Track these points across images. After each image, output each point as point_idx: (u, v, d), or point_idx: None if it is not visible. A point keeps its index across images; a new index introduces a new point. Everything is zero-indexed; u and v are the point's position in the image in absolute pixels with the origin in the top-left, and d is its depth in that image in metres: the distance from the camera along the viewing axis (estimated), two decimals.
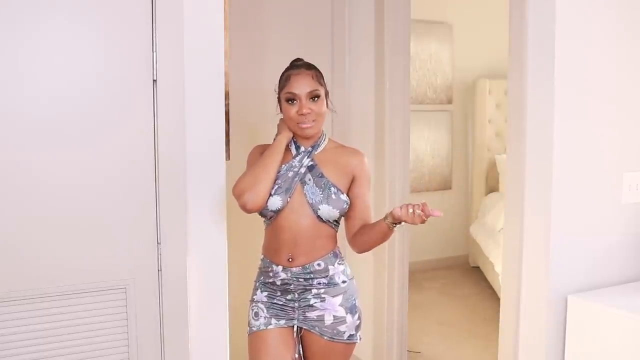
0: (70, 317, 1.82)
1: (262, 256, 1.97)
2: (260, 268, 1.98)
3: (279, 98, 1.92)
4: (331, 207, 1.85)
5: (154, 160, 1.89)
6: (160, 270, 1.91)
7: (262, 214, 1.89)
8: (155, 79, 1.87)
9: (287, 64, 1.96)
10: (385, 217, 1.78)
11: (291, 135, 1.92)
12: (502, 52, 3.00)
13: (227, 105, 2.10)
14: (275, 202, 1.84)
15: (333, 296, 1.90)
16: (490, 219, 4.92)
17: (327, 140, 1.95)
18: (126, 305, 1.88)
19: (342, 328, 1.90)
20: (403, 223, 1.74)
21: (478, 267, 5.33)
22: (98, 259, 1.84)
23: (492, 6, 5.07)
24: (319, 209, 1.85)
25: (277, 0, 3.20)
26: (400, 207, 1.72)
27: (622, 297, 2.17)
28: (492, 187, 5.48)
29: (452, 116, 5.54)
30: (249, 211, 1.82)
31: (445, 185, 5.53)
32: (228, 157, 2.05)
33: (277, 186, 1.85)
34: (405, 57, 3.24)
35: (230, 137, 2.93)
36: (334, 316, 1.89)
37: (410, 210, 1.69)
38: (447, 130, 5.50)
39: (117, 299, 1.87)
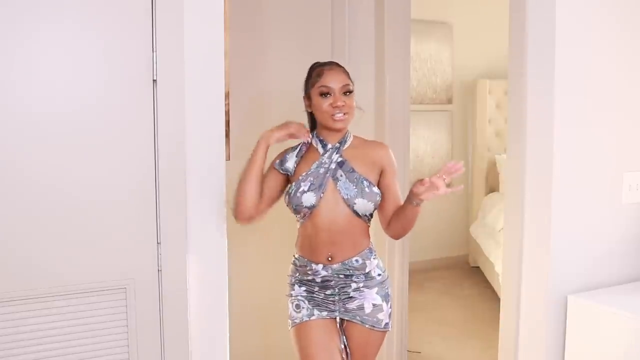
0: (70, 317, 1.81)
1: (297, 255, 2.02)
2: (295, 266, 2.03)
3: (307, 95, 1.96)
4: (366, 201, 1.90)
5: (153, 159, 1.88)
6: (160, 270, 1.91)
7: (296, 212, 1.94)
8: (155, 79, 1.87)
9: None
10: (409, 198, 1.84)
11: (269, 143, 1.92)
12: (502, 52, 3.00)
13: (227, 105, 2.10)
14: (309, 199, 1.89)
15: (370, 288, 1.97)
16: (491, 219, 4.92)
17: (351, 137, 2.01)
18: (126, 305, 1.87)
19: (380, 316, 1.98)
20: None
21: (478, 267, 5.33)
22: (98, 259, 1.84)
23: (492, 6, 5.07)
24: (355, 204, 1.90)
25: (277, 1, 3.20)
26: (414, 185, 1.80)
27: (622, 297, 2.17)
28: (492, 187, 5.48)
29: (452, 116, 5.54)
30: (241, 222, 1.92)
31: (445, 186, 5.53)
32: (228, 157, 2.05)
33: (309, 183, 1.91)
34: (405, 57, 3.24)
35: (230, 137, 2.93)
36: (373, 304, 1.96)
37: (427, 185, 1.77)
38: (447, 130, 5.50)
39: (116, 299, 1.86)
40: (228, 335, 2.06)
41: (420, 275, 5.13)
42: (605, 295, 2.20)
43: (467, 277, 5.29)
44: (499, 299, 2.69)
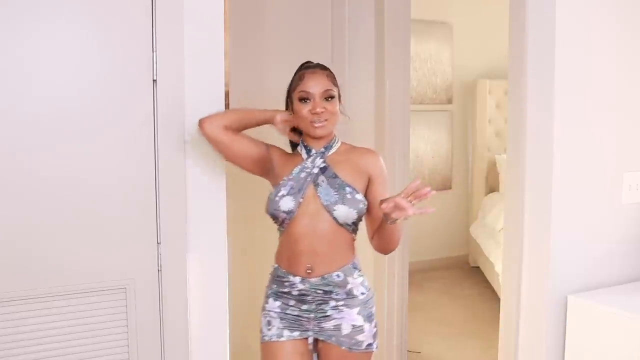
0: (70, 317, 1.81)
1: (275, 265, 1.89)
2: (273, 276, 1.90)
3: (290, 99, 1.86)
4: (347, 207, 1.77)
5: (153, 159, 1.89)
6: (160, 270, 1.91)
7: (274, 217, 1.83)
8: (155, 79, 1.87)
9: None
10: (383, 216, 1.70)
11: (276, 116, 1.89)
12: (502, 52, 3.00)
13: (227, 105, 2.11)
14: (287, 203, 1.78)
15: (351, 307, 1.83)
16: (490, 219, 4.92)
17: (339, 142, 1.89)
18: (126, 306, 1.87)
19: (360, 337, 1.82)
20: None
21: (478, 267, 5.33)
22: (98, 259, 1.84)
23: (492, 6, 5.07)
24: (335, 210, 1.77)
25: (277, 1, 3.20)
26: (381, 204, 1.64)
27: (622, 297, 2.17)
28: (492, 187, 5.49)
29: (452, 116, 5.55)
30: (200, 125, 1.82)
31: (445, 185, 5.53)
32: None
33: (289, 187, 1.79)
34: (405, 57, 3.24)
35: None
36: (352, 325, 1.82)
37: (391, 205, 1.61)
38: (447, 130, 5.51)
39: (116, 299, 1.86)
40: (228, 335, 2.06)
41: (420, 275, 5.13)
42: (605, 295, 2.20)
43: (467, 277, 5.29)
44: (499, 299, 2.69)
